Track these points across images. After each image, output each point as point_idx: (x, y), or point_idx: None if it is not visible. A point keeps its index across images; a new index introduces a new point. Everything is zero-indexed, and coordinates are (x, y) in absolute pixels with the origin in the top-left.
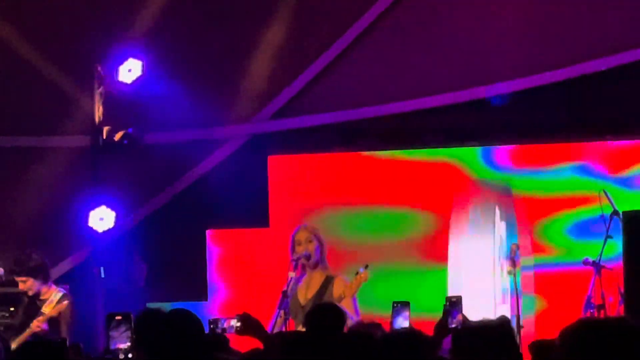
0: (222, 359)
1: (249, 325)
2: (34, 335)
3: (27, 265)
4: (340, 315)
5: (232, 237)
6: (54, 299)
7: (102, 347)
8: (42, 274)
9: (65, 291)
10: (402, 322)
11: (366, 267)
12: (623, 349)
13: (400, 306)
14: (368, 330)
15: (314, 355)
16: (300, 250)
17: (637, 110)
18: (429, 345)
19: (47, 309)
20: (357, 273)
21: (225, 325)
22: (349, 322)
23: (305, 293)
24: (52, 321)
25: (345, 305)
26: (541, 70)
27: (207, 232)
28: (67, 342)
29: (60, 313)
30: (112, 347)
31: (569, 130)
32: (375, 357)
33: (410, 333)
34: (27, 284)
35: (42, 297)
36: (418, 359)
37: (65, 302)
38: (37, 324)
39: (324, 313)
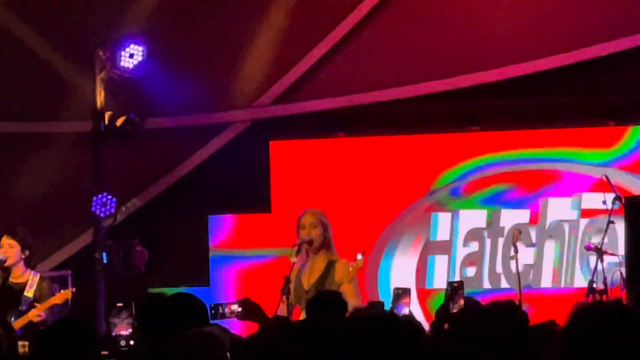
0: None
1: (250, 310)
2: (32, 323)
3: (24, 235)
4: (339, 302)
5: (234, 223)
6: (33, 282)
7: (103, 333)
8: (29, 253)
9: (38, 273)
10: (403, 309)
11: (363, 253)
12: (619, 333)
13: (402, 292)
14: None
15: (313, 342)
16: (304, 234)
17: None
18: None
19: (29, 294)
20: (355, 260)
21: (226, 310)
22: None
23: (309, 278)
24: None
25: (345, 290)
26: (542, 55)
27: (209, 217)
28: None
29: (62, 300)
30: (113, 333)
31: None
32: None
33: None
34: (11, 250)
35: (16, 280)
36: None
37: (56, 287)
38: (36, 313)
39: (324, 300)
